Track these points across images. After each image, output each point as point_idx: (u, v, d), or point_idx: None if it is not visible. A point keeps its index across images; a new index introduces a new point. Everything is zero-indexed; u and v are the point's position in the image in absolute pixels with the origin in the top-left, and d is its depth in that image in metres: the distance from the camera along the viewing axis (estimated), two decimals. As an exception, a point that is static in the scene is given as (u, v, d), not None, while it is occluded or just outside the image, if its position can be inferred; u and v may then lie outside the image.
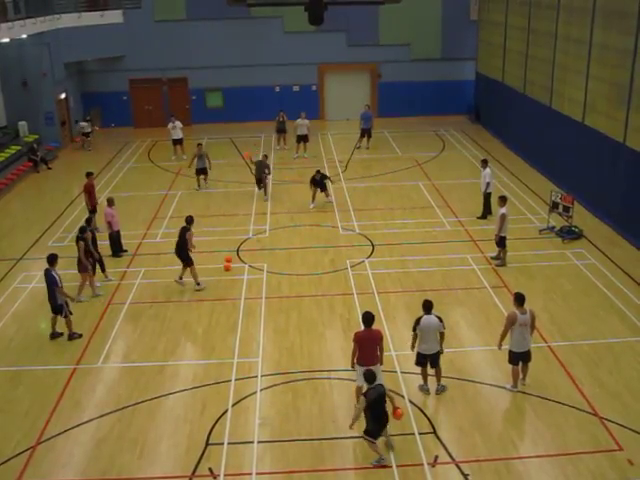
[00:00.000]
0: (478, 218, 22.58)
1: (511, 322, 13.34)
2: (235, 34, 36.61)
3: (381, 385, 11.81)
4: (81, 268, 17.80)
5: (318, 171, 24.81)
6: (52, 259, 16.09)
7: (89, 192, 22.60)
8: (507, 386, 13.76)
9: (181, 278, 18.40)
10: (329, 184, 24.99)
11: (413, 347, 13.64)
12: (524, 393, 13.55)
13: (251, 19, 36.45)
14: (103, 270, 18.97)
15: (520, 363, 13.66)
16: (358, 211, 23.87)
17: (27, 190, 28.01)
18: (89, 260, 17.95)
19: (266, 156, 26.49)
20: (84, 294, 17.96)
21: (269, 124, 33.09)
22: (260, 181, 25.47)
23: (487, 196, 22.54)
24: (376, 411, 11.70)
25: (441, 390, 13.71)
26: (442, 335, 13.49)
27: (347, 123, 36.56)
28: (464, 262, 19.57)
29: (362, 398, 11.69)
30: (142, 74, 37.17)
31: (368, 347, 12.82)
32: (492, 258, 19.58)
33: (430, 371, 13.76)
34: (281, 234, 22.20)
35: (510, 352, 13.59)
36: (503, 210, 18.98)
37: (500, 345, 13.69)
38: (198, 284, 18.34)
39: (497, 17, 33.27)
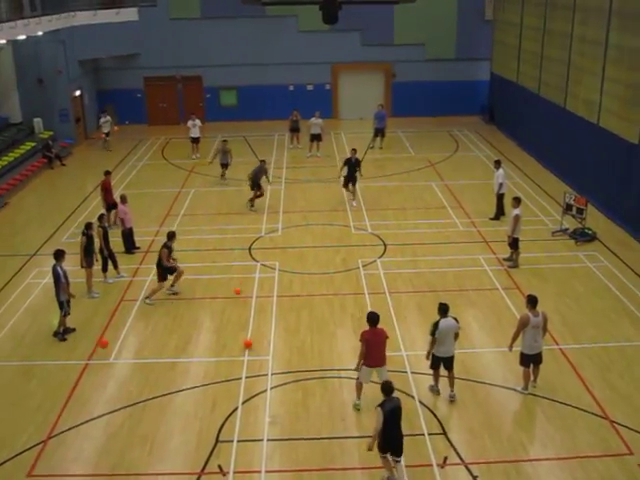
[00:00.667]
0: (491, 219, 22.53)
1: (523, 324, 13.27)
2: (249, 33, 36.67)
3: (398, 398, 11.31)
4: (85, 263, 17.79)
5: (354, 150, 24.97)
6: (58, 254, 16.11)
7: (106, 189, 22.61)
8: (518, 388, 13.68)
9: (172, 286, 18.17)
10: (358, 177, 24.62)
11: (429, 354, 13.41)
12: (534, 395, 13.51)
13: (266, 18, 36.51)
14: (115, 267, 19.04)
15: (531, 365, 13.59)
16: (371, 211, 23.86)
17: (41, 186, 28.17)
18: (93, 257, 17.96)
19: (264, 161, 25.14)
20: (95, 289, 18.06)
21: (283, 123, 33.10)
22: (255, 186, 24.25)
23: (500, 197, 22.46)
24: (390, 425, 10.90)
25: (453, 398, 13.48)
26: (457, 335, 13.46)
27: (360, 122, 36.53)
28: (476, 263, 19.53)
29: (378, 410, 10.80)
30: (157, 72, 37.28)
31: (375, 347, 12.82)
32: (504, 260, 19.50)
33: (443, 373, 13.66)
34: (293, 233, 22.23)
35: (521, 354, 13.53)
36: (517, 211, 18.88)
37: (511, 347, 13.62)
38: (148, 297, 17.67)
39: (512, 17, 33.16)
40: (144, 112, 38.12)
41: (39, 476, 11.69)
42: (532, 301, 13.37)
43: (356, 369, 13.08)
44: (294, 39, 36.95)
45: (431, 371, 13.73)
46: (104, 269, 18.72)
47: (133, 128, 37.02)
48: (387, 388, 11.17)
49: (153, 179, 28.12)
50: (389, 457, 11.27)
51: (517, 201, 19.13)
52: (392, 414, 10.96)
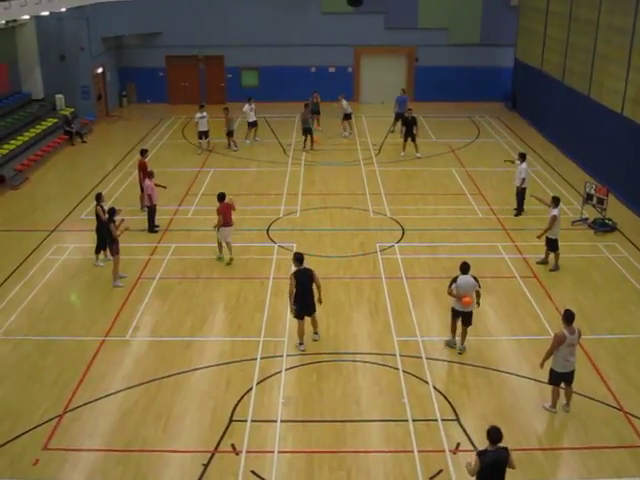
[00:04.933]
0: (515, 215, 21.83)
1: (559, 343, 12.37)
2: (273, 13, 36.48)
3: (504, 449, 9.66)
4: (113, 251, 17.61)
5: (410, 109, 28.00)
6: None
7: (143, 170, 21.92)
8: (546, 405, 12.91)
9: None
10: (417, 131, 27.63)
11: (452, 294, 14.42)
12: (548, 384, 13.42)
13: (289, -2, 36.37)
14: (99, 252, 18.79)
15: (562, 384, 12.77)
16: (390, 195, 23.78)
17: (62, 163, 28.29)
18: (119, 244, 17.52)
19: (307, 105, 29.39)
20: (120, 281, 17.69)
21: (302, 105, 33.05)
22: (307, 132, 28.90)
23: (522, 192, 21.77)
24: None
25: (463, 350, 14.57)
26: (478, 293, 14.44)
27: (382, 106, 36.36)
28: (494, 251, 19.44)
29: (476, 459, 9.64)
30: (179, 51, 37.25)
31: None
32: (538, 263, 18.59)
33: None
34: (312, 215, 22.22)
35: (552, 371, 12.65)
36: (555, 212, 17.93)
37: (543, 364, 12.71)
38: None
39: (538, 3, 32.78)
40: (165, 91, 38.11)
41: (54, 449, 11.82)
42: (569, 318, 12.47)
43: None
44: (317, 20, 36.73)
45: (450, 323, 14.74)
46: (97, 251, 18.67)
47: (154, 107, 37.07)
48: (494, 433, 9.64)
49: (173, 158, 28.13)
50: None
51: (556, 201, 18.14)
52: (493, 469, 9.60)
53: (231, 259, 18.70)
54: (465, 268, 14.34)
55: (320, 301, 14.77)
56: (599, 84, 25.66)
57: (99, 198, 18.59)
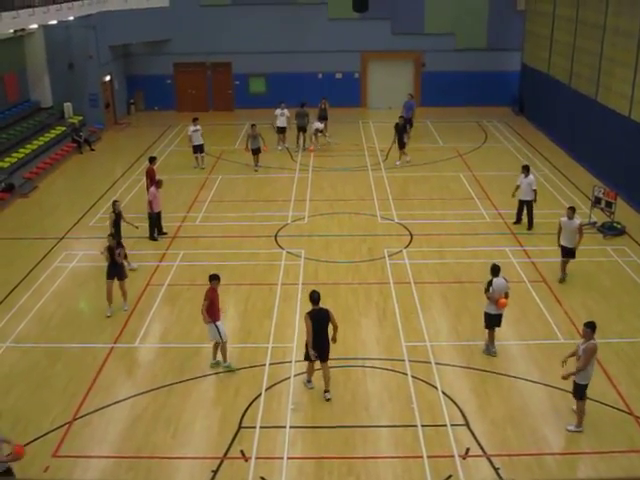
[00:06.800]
0: (528, 229, 21.12)
1: (594, 354, 12.00)
2: (280, 20, 36.60)
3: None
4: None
5: (401, 116, 28.03)
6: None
7: (151, 178, 22.16)
8: (570, 427, 12.33)
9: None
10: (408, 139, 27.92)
11: (492, 298, 14.31)
12: (558, 389, 13.35)
13: (296, 5, 36.45)
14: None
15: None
16: (397, 200, 23.78)
17: (70, 171, 28.41)
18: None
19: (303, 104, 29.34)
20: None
21: (311, 111, 33.04)
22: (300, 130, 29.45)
23: (530, 205, 21.05)
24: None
25: (495, 353, 14.63)
26: (507, 295, 14.47)
27: (389, 112, 36.39)
28: (503, 255, 19.38)
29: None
30: (186, 58, 37.39)
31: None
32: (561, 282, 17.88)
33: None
34: (320, 221, 22.24)
35: (581, 386, 12.16)
36: (578, 221, 17.69)
37: (569, 376, 12.18)
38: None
39: (544, 7, 32.78)
40: (173, 98, 38.25)
41: (64, 457, 11.85)
42: (594, 327, 12.04)
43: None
44: (324, 27, 36.81)
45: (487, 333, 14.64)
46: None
47: (162, 114, 37.22)
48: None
49: (181, 165, 28.19)
50: None
51: (574, 210, 17.71)
52: None
53: (232, 369, 14.35)
54: (496, 270, 14.44)
55: (334, 340, 13.31)
56: (606, 87, 25.62)
57: (114, 205, 18.87)
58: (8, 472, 10.50)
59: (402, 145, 27.53)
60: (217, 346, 14.33)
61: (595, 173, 25.79)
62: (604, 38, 25.65)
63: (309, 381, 13.70)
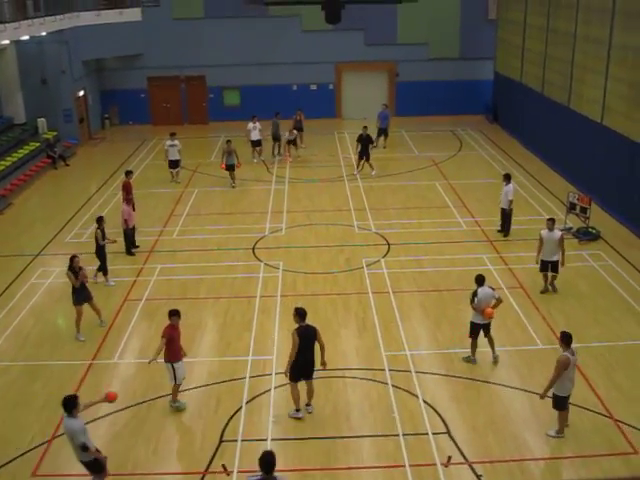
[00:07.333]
0: (504, 237, 21.18)
1: (565, 367, 11.89)
2: (253, 33, 36.64)
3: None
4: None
5: (365, 127, 27.74)
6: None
7: (127, 191, 22.02)
8: (551, 432, 12.38)
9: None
10: (371, 150, 27.76)
11: (477, 309, 14.26)
12: (538, 394, 13.36)
13: (269, 18, 36.51)
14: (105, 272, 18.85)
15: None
16: (374, 210, 23.85)
17: (45, 187, 28.20)
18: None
19: (277, 114, 30.22)
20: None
21: (286, 123, 33.09)
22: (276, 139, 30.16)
23: (509, 213, 21.07)
24: None
25: (497, 359, 14.55)
26: (500, 300, 14.55)
27: (364, 122, 36.45)
28: (480, 262, 19.49)
29: None
30: (160, 72, 37.31)
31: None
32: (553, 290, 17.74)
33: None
34: (297, 232, 22.23)
35: (559, 397, 12.20)
36: (559, 232, 17.43)
37: (545, 395, 12.26)
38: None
39: (516, 16, 33.11)
40: (148, 112, 38.12)
41: (44, 475, 11.73)
42: (569, 339, 12.04)
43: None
44: (297, 39, 36.93)
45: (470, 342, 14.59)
46: (104, 272, 18.70)
47: (137, 128, 37.08)
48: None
49: (157, 179, 28.08)
50: None
51: (554, 222, 17.51)
52: None
53: (181, 408, 13.45)
54: (481, 280, 14.44)
55: (324, 364, 12.94)
56: (578, 94, 25.90)
57: (100, 221, 18.47)
58: (95, 464, 10.57)
59: (367, 157, 27.63)
60: (176, 389, 13.38)
61: (569, 179, 26.04)
62: (575, 46, 25.95)
63: (298, 410, 13.01)
